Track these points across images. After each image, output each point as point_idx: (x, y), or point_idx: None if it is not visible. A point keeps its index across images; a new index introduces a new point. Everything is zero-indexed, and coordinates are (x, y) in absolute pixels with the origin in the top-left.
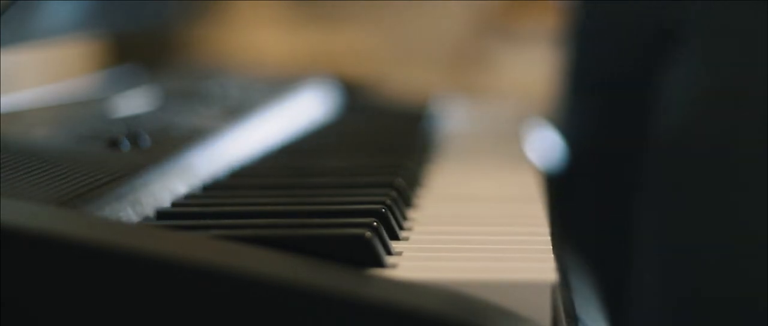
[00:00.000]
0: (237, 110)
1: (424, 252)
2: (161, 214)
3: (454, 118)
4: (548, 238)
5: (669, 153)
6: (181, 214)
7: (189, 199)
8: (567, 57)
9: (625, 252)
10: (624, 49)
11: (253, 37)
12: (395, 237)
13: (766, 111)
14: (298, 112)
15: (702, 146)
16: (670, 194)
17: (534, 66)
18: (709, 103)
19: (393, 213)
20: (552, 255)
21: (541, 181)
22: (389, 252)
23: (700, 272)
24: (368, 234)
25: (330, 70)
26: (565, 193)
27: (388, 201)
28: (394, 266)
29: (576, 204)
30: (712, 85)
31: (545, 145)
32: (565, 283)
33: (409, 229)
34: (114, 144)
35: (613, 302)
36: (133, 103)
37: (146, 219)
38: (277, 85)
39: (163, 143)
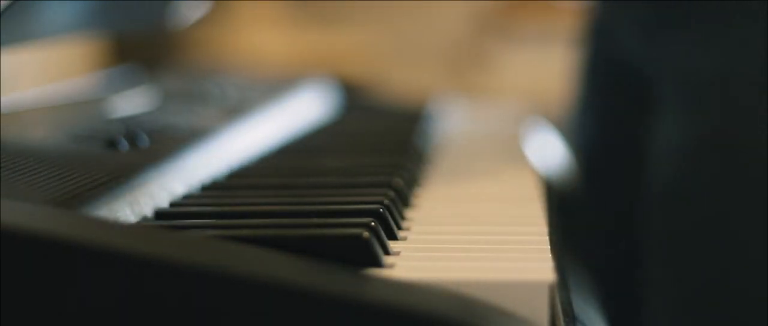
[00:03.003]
0: (236, 110)
1: (422, 252)
2: (159, 214)
3: (454, 118)
4: (546, 238)
5: (663, 207)
6: (180, 214)
7: (187, 199)
8: (583, 56)
9: (633, 258)
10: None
11: (254, 37)
12: (393, 237)
13: (752, 156)
14: (298, 112)
15: (694, 199)
16: (670, 246)
17: (534, 66)
18: (696, 154)
19: (391, 214)
20: (550, 255)
21: (542, 183)
22: (387, 252)
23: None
24: (366, 234)
25: (330, 70)
26: (575, 196)
27: (386, 202)
28: (391, 266)
29: (586, 207)
30: (696, 135)
31: (544, 145)
32: (563, 283)
33: (408, 229)
34: (112, 144)
35: (618, 306)
36: (132, 103)
37: (144, 219)
38: (276, 85)
39: (162, 143)
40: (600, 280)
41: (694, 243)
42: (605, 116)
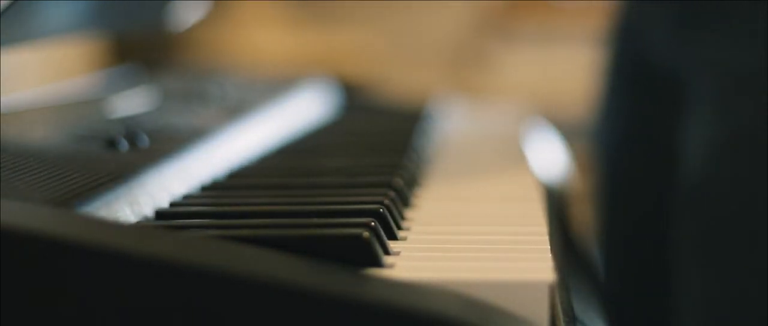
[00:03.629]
0: (236, 110)
1: (422, 252)
2: (159, 214)
3: (454, 118)
4: (546, 238)
5: (696, 205)
6: (180, 214)
7: (187, 199)
8: (608, 56)
9: (661, 258)
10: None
11: (254, 37)
12: (393, 237)
13: None
14: (298, 112)
15: (727, 197)
16: (702, 244)
17: (534, 66)
18: (729, 152)
19: (391, 214)
20: (550, 255)
21: (542, 183)
22: (387, 252)
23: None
24: (366, 234)
25: (330, 70)
26: (599, 198)
27: (387, 202)
28: (391, 266)
29: (610, 209)
30: (729, 133)
31: (544, 145)
32: (563, 283)
33: (408, 229)
34: (112, 144)
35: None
36: (132, 103)
37: (144, 219)
38: (276, 85)
39: (162, 143)
40: (623, 280)
41: (726, 242)
42: (632, 116)
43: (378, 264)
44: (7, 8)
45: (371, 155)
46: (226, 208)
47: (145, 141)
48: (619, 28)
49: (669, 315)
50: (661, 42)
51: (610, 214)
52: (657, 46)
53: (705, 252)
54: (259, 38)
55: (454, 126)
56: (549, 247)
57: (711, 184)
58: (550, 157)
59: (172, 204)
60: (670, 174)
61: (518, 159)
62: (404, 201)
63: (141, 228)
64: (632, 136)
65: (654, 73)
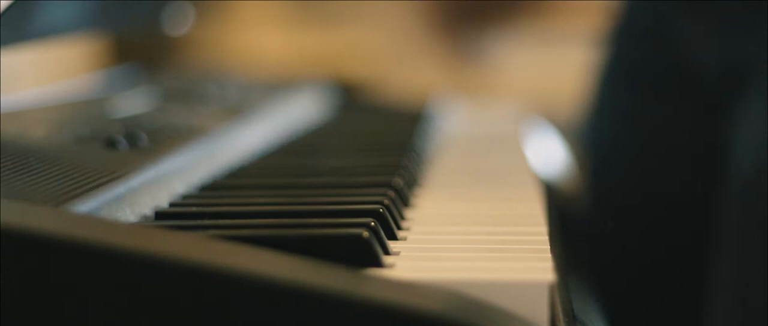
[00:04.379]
0: (235, 110)
1: (422, 252)
2: (159, 215)
3: (454, 118)
4: (546, 238)
5: (744, 204)
6: (179, 214)
7: (187, 199)
8: (610, 54)
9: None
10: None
11: (253, 37)
12: (393, 237)
13: None
14: (297, 112)
15: None
16: (747, 243)
17: (534, 66)
18: None
19: (391, 213)
20: (550, 255)
21: (542, 183)
22: (387, 252)
23: None
24: (366, 234)
25: (330, 70)
26: (599, 199)
27: (386, 201)
28: (391, 266)
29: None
30: None
31: (544, 145)
32: (563, 283)
33: (407, 229)
34: (112, 144)
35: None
36: (132, 103)
37: (144, 219)
38: (275, 85)
39: (161, 143)
40: (650, 281)
41: None
42: (639, 117)
43: (378, 264)
44: (7, 8)
45: (371, 155)
46: (226, 208)
47: (145, 141)
48: (629, 28)
49: (669, 315)
50: (701, 41)
51: (612, 216)
52: (692, 46)
53: (750, 249)
54: (259, 38)
55: (454, 126)
56: (549, 247)
57: (761, 183)
58: (550, 157)
59: (172, 205)
60: (679, 175)
61: (518, 159)
62: (404, 201)
63: (141, 228)
64: (632, 136)
65: (681, 72)
